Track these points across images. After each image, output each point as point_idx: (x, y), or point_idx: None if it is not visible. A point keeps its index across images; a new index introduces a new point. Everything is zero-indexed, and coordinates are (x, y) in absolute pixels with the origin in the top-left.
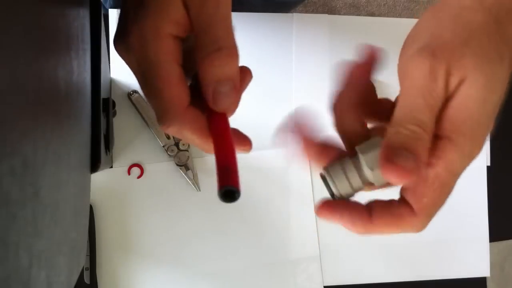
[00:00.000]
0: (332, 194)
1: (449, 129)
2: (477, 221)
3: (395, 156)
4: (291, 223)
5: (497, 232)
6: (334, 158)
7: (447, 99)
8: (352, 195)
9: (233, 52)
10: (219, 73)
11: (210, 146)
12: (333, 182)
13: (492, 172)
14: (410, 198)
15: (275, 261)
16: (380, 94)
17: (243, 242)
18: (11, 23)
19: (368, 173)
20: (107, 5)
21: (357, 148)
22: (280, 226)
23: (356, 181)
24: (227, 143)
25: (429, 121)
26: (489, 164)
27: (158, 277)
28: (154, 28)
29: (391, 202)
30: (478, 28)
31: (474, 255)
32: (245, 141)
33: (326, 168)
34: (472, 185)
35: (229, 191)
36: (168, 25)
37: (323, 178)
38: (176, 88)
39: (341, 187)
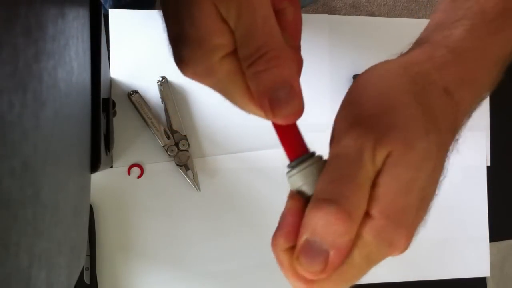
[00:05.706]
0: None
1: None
2: (477, 221)
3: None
4: None
5: (497, 232)
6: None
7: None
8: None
9: (280, 54)
10: (270, 78)
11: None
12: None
13: (492, 172)
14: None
15: (275, 260)
16: None
17: (243, 242)
18: (11, 23)
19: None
20: (107, 5)
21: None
22: None
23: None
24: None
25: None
26: (489, 164)
27: (158, 276)
28: (206, 67)
29: None
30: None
31: (474, 255)
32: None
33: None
34: (472, 185)
35: None
36: (216, 54)
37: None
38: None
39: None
